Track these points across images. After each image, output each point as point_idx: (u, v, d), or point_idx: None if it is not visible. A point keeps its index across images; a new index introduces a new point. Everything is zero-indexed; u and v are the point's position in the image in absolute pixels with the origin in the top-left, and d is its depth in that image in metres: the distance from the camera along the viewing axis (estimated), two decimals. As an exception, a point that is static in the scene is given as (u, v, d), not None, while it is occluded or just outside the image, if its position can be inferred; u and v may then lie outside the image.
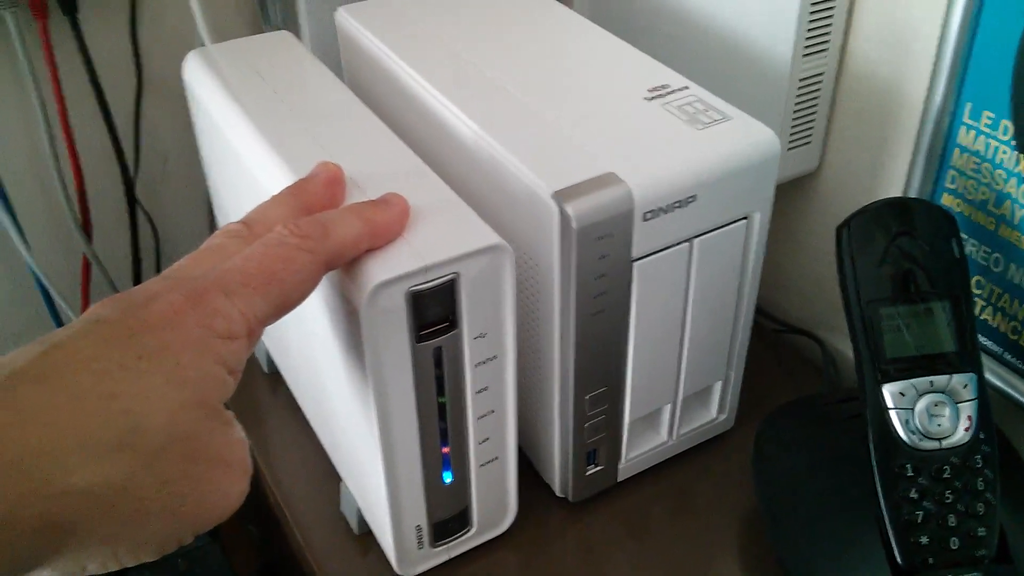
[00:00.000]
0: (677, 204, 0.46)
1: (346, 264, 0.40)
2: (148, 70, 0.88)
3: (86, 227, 0.89)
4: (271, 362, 0.68)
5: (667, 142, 0.48)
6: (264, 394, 0.67)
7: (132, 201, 0.92)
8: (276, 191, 0.41)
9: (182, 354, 0.31)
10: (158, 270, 0.99)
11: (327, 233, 0.37)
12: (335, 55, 0.65)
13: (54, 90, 0.81)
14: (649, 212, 0.45)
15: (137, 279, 0.97)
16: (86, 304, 0.93)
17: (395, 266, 0.40)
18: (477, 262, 0.42)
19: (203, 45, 0.76)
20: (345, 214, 0.39)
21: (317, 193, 0.42)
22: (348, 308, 0.41)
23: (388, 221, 0.41)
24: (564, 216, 0.44)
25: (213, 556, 0.63)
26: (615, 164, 0.46)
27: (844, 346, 0.69)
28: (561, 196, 0.44)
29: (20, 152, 0.85)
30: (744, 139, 0.48)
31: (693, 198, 0.47)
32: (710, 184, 0.47)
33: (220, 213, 0.65)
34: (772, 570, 0.54)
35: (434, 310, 0.42)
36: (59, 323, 0.92)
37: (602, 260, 0.46)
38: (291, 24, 0.80)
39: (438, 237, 0.41)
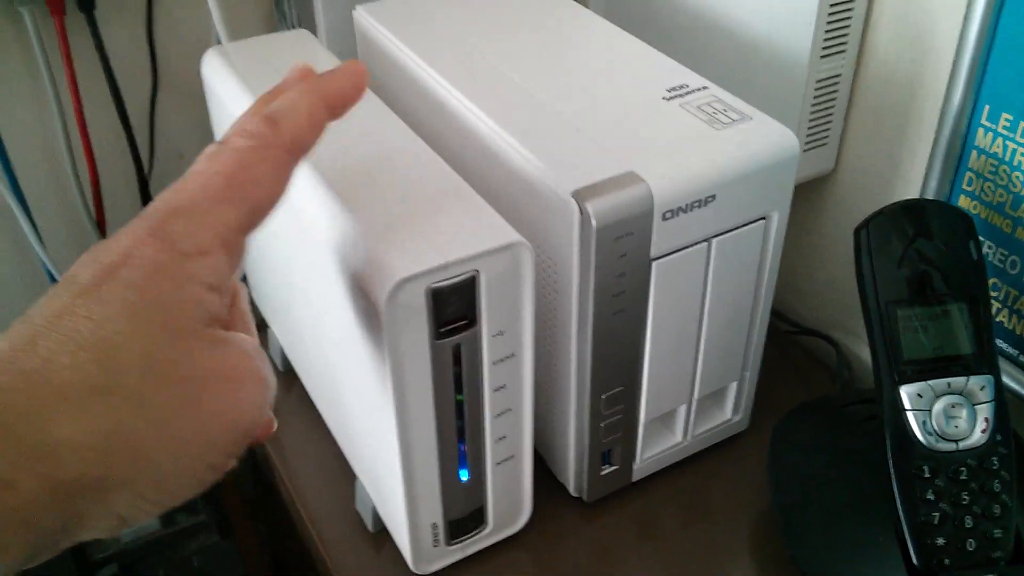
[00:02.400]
0: (696, 203, 0.46)
1: (355, 253, 0.40)
2: (163, 67, 0.89)
3: (100, 223, 0.89)
4: (285, 360, 0.68)
5: (686, 142, 0.48)
6: (278, 392, 0.67)
7: (146, 198, 0.92)
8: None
9: (145, 284, 0.31)
10: (170, 268, 0.99)
11: (276, 123, 0.36)
12: (351, 53, 0.66)
13: (70, 86, 0.82)
14: (668, 211, 0.46)
15: (149, 276, 0.97)
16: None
17: (417, 263, 0.40)
18: (497, 260, 0.42)
19: (219, 43, 0.77)
20: (293, 96, 0.38)
21: (281, 91, 0.39)
22: (368, 304, 0.41)
23: (340, 87, 0.39)
24: (584, 215, 0.44)
25: (227, 553, 0.63)
26: (635, 163, 0.46)
27: (858, 348, 0.69)
28: (581, 195, 0.44)
29: (35, 148, 0.86)
30: (763, 139, 0.48)
31: (712, 198, 0.47)
32: (729, 184, 0.47)
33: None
34: (786, 571, 0.54)
35: (454, 307, 0.42)
36: (72, 320, 0.92)
37: (621, 259, 0.46)
38: (307, 22, 0.80)
39: (459, 234, 0.42)
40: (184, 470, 0.31)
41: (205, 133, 0.94)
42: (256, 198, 0.35)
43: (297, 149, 0.37)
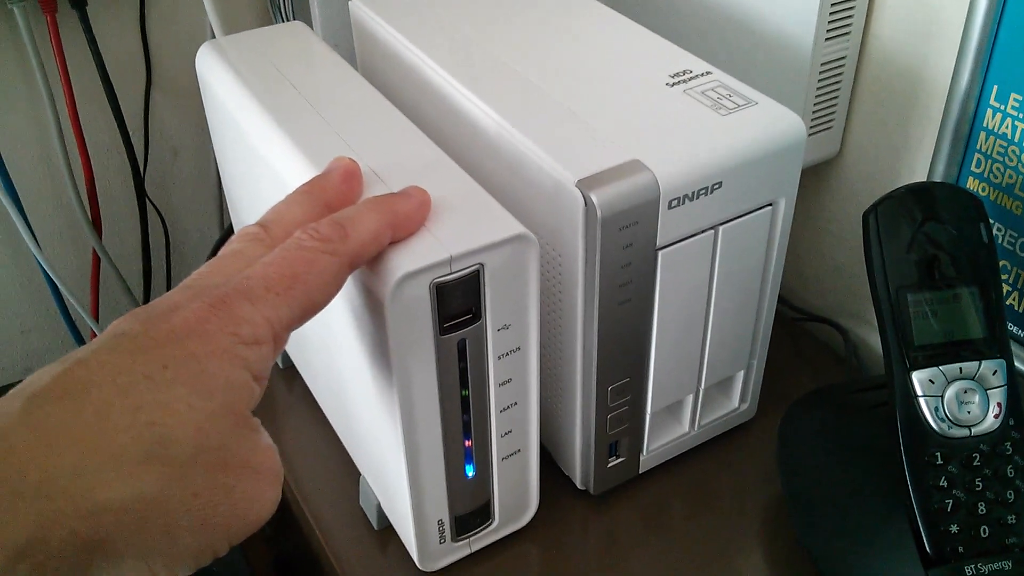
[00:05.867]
0: (703, 191, 0.46)
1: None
2: (157, 64, 0.88)
3: (96, 222, 0.89)
4: (286, 356, 0.67)
5: (691, 128, 0.47)
6: (280, 389, 0.67)
7: (142, 196, 0.92)
8: (296, 184, 0.41)
9: (208, 362, 0.31)
10: (168, 265, 0.99)
11: (347, 233, 0.37)
12: (348, 45, 0.65)
13: (63, 85, 0.81)
14: (674, 200, 0.45)
15: (147, 274, 0.97)
16: (96, 299, 0.93)
17: (420, 257, 0.39)
18: (502, 253, 0.41)
19: (213, 37, 0.76)
20: (364, 210, 0.39)
21: (334, 189, 0.41)
22: (371, 300, 0.40)
23: (408, 212, 0.40)
24: (589, 205, 0.43)
25: (229, 551, 0.62)
26: (639, 151, 0.45)
27: (864, 333, 0.69)
28: (585, 184, 0.43)
29: (30, 147, 0.85)
30: (770, 124, 0.47)
31: (719, 185, 0.46)
32: (736, 170, 0.46)
33: (233, 205, 0.65)
34: (795, 560, 0.53)
35: (458, 301, 0.41)
36: (68, 318, 0.92)
37: (627, 249, 0.45)
38: (302, 14, 0.79)
39: (462, 228, 0.41)
40: (195, 551, 0.31)
41: (200, 130, 0.93)
42: (312, 300, 0.35)
43: (357, 261, 0.38)
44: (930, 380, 0.47)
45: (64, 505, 0.27)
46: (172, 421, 0.29)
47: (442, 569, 0.52)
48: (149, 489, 0.28)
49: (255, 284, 0.34)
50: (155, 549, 0.29)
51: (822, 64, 0.59)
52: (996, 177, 0.53)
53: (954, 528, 0.46)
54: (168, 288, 0.97)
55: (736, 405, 0.59)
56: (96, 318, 0.93)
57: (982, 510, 0.46)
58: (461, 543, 0.52)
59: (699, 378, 0.55)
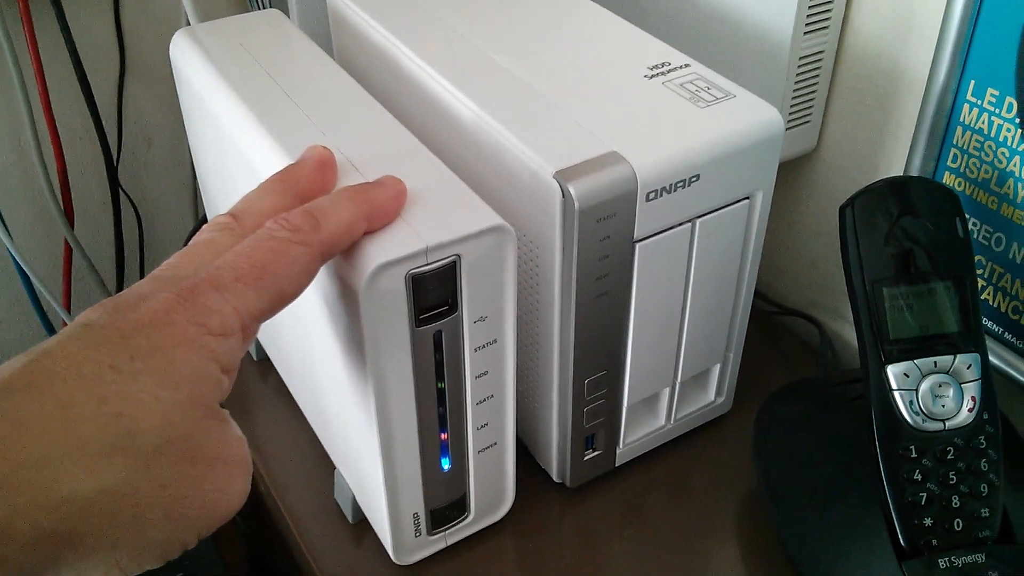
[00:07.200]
0: (680, 184, 0.45)
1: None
2: (132, 52, 0.87)
3: (68, 212, 0.88)
4: (260, 348, 0.67)
5: (670, 121, 0.47)
6: (254, 381, 0.66)
7: (115, 185, 0.91)
8: (270, 173, 0.40)
9: (174, 353, 0.31)
10: (141, 255, 0.98)
11: (319, 223, 0.37)
12: (324, 34, 0.64)
13: (35, 71, 0.80)
14: (652, 192, 0.45)
15: (120, 265, 0.96)
16: (67, 289, 0.92)
17: (396, 248, 0.39)
18: (479, 244, 0.41)
19: (188, 24, 0.75)
20: (338, 199, 0.38)
21: (307, 178, 0.41)
22: (346, 291, 0.40)
23: (384, 202, 0.40)
24: (566, 196, 0.43)
25: (203, 546, 0.62)
26: (617, 143, 0.45)
27: (840, 327, 0.69)
28: (563, 176, 0.43)
29: (0, 136, 0.84)
30: (748, 117, 0.47)
31: (696, 177, 0.46)
32: (713, 163, 0.46)
33: (207, 196, 0.64)
34: (770, 553, 0.53)
35: (434, 293, 0.41)
36: (40, 310, 0.91)
37: (604, 241, 0.45)
38: (279, 2, 0.78)
39: (439, 219, 0.40)
40: (163, 543, 0.30)
41: (174, 119, 0.92)
42: (282, 291, 0.35)
43: (329, 252, 0.37)
44: (905, 374, 0.47)
45: (28, 497, 0.26)
46: (138, 412, 0.29)
47: (417, 563, 0.52)
48: (115, 481, 0.28)
49: (224, 274, 0.33)
50: (122, 541, 0.29)
51: (800, 58, 0.59)
52: (972, 172, 0.54)
53: (928, 521, 0.46)
54: (141, 278, 0.96)
55: (712, 398, 0.60)
56: (68, 309, 0.92)
57: (956, 503, 0.46)
58: (437, 536, 0.52)
59: (675, 371, 0.55)
